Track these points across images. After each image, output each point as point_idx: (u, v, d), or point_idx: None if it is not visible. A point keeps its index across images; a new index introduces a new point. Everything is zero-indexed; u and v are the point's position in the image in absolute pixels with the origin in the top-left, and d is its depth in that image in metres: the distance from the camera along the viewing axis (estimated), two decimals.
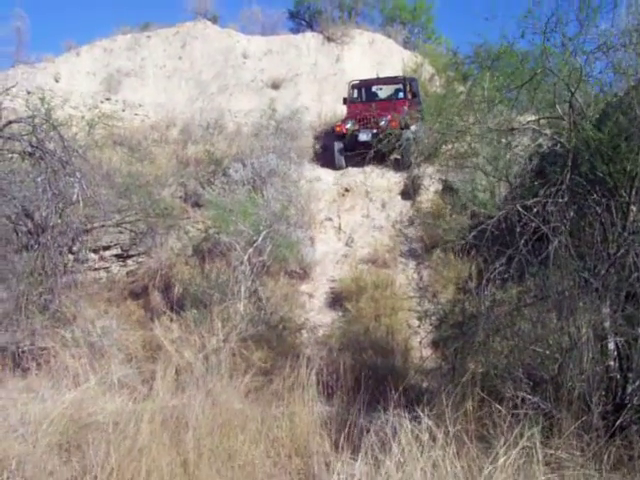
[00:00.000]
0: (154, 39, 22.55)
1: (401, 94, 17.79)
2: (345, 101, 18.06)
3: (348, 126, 16.40)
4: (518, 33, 6.18)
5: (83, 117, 14.49)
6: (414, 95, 17.51)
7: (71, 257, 11.16)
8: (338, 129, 16.62)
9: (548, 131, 6.68)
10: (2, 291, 9.70)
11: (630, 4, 6.04)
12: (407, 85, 17.78)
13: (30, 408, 6.53)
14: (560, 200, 5.79)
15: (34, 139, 10.09)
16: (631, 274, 5.58)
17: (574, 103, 5.97)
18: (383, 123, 15.32)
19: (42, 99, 11.77)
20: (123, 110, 19.19)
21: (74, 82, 20.68)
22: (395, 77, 18.96)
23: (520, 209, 5.98)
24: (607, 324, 5.71)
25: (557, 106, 6.19)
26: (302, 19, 25.22)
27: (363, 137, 15.84)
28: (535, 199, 5.96)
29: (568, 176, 5.78)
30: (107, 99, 19.43)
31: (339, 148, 16.55)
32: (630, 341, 5.68)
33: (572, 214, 5.88)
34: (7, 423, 6.23)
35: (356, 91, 18.33)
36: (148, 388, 7.67)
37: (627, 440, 5.39)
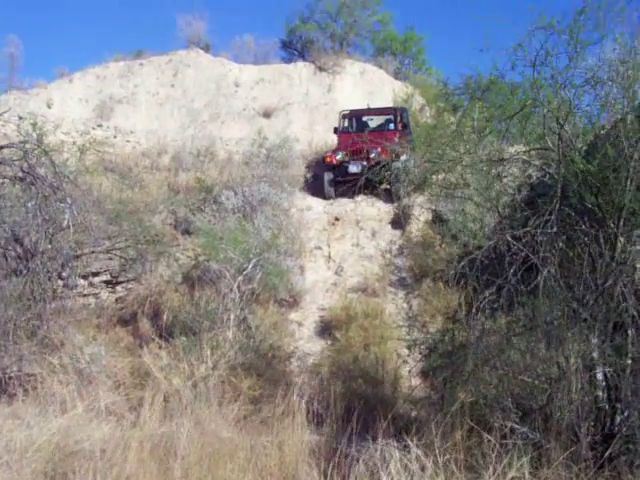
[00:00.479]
0: (147, 67, 22.69)
1: (392, 125, 17.90)
2: (336, 130, 18.15)
3: (338, 157, 16.43)
4: (508, 65, 6.26)
5: (74, 143, 14.53)
6: (405, 126, 17.61)
7: (60, 283, 11.12)
8: (328, 160, 16.64)
9: (537, 162, 6.74)
10: None
11: (615, 38, 6.13)
12: (398, 116, 17.91)
13: (15, 435, 6.47)
14: (549, 230, 5.84)
15: (25, 164, 10.08)
16: (619, 304, 5.61)
17: (563, 135, 6.03)
18: (373, 155, 15.40)
19: (34, 124, 11.80)
20: (115, 137, 19.25)
21: (66, 108, 20.76)
22: (386, 108, 19.13)
23: (510, 239, 6.02)
24: (595, 354, 5.73)
25: (547, 137, 6.25)
26: (294, 49, 25.47)
27: (353, 169, 15.87)
28: (525, 229, 6.01)
29: (557, 207, 5.83)
30: (99, 125, 19.50)
31: (329, 179, 16.57)
32: (618, 371, 5.69)
33: (561, 244, 5.92)
34: None
35: (347, 121, 18.43)
36: (136, 415, 7.61)
37: (616, 471, 5.39)
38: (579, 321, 5.68)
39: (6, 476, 5.62)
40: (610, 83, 5.99)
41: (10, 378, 9.00)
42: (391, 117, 18.22)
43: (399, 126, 17.59)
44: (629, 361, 5.66)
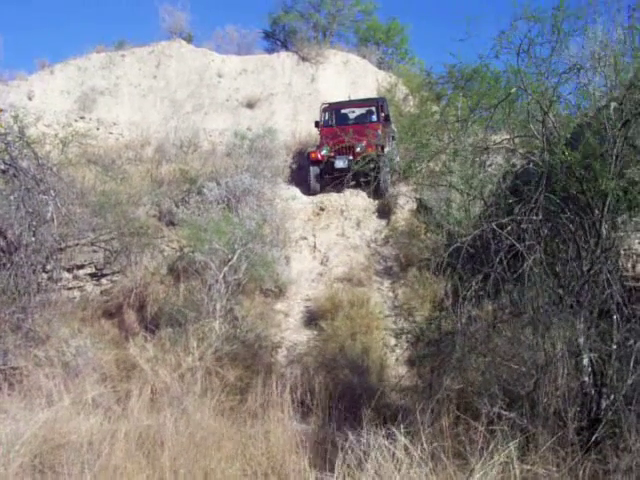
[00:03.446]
0: (129, 58, 22.48)
1: (374, 116, 17.77)
2: (317, 124, 17.98)
3: (323, 152, 16.23)
4: (492, 54, 6.27)
5: (57, 135, 14.41)
6: (386, 117, 17.50)
7: (45, 276, 11.02)
8: (313, 156, 16.45)
9: (521, 150, 6.76)
10: None
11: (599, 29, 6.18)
12: (379, 107, 17.80)
13: (1, 429, 6.45)
14: (535, 218, 5.86)
15: (7, 157, 10.02)
16: (604, 291, 5.65)
17: (547, 122, 6.06)
18: (359, 149, 15.33)
19: (15, 117, 11.69)
20: (97, 129, 19.14)
21: (48, 100, 20.54)
22: (366, 99, 18.99)
23: (495, 227, 6.04)
24: (581, 340, 5.78)
25: (530, 125, 6.28)
26: (277, 39, 25.31)
27: (339, 164, 15.79)
28: (510, 217, 6.03)
29: (542, 194, 5.85)
30: (81, 117, 19.38)
31: (315, 174, 16.42)
32: (604, 357, 5.75)
33: (546, 232, 5.95)
34: None
35: (327, 114, 18.22)
36: (123, 408, 7.59)
37: (602, 455, 5.45)
38: (565, 308, 5.72)
39: None
40: (593, 70, 6.02)
41: None
42: (372, 108, 18.07)
43: (381, 117, 17.49)
44: (614, 346, 5.72)
